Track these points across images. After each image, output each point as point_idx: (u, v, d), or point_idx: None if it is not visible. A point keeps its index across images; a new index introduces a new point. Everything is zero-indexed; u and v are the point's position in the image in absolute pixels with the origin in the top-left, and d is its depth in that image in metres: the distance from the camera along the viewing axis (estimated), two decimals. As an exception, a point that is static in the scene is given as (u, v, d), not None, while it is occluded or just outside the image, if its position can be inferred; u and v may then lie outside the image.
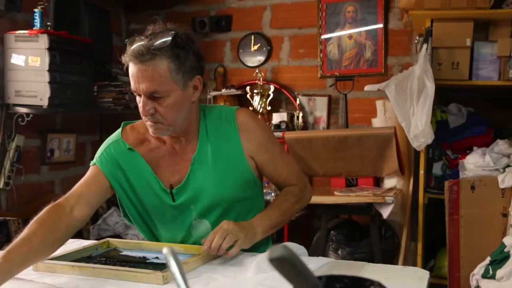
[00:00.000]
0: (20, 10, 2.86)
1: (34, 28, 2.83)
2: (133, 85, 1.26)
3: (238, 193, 1.38)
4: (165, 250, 0.66)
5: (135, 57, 1.21)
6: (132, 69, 1.24)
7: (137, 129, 1.41)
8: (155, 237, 1.45)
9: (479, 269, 2.32)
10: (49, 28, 2.88)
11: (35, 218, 1.21)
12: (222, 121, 1.37)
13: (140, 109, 1.27)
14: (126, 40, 1.26)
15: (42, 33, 2.79)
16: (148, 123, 1.29)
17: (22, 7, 2.85)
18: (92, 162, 1.39)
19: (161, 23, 1.27)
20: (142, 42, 1.21)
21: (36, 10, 2.84)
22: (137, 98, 1.28)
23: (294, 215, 1.45)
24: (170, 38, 1.21)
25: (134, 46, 1.22)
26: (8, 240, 2.65)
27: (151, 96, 1.24)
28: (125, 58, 1.25)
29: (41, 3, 2.87)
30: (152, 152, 1.38)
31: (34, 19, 2.84)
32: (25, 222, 2.72)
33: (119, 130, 1.43)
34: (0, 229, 2.59)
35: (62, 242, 1.25)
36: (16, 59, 2.84)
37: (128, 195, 1.38)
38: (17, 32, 2.85)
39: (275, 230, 1.40)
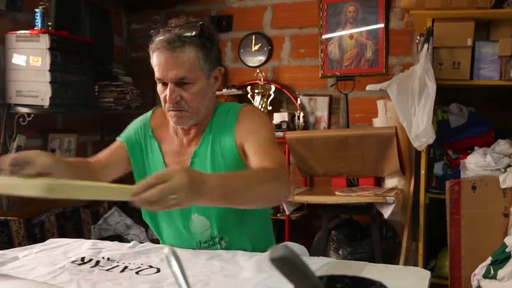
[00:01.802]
0: (21, 10, 2.86)
1: (35, 28, 2.84)
2: (159, 74, 1.28)
3: None
4: (166, 250, 0.66)
5: (166, 43, 1.25)
6: (159, 57, 1.27)
7: (164, 114, 1.42)
8: (157, 227, 1.48)
9: (480, 269, 2.32)
10: (50, 28, 2.88)
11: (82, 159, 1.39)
12: (227, 116, 1.38)
13: (166, 97, 1.29)
14: (152, 31, 1.31)
15: (43, 33, 2.79)
16: (172, 113, 1.31)
17: (23, 7, 2.85)
18: (119, 137, 1.48)
19: (183, 16, 1.32)
20: (171, 30, 1.26)
21: (37, 10, 2.84)
22: (160, 88, 1.31)
23: (269, 199, 1.16)
24: (198, 27, 1.27)
25: (164, 35, 1.26)
26: (10, 239, 2.65)
27: (179, 83, 1.27)
28: (151, 47, 1.28)
29: (42, 3, 2.87)
30: (167, 141, 1.44)
31: (35, 19, 2.84)
32: (26, 222, 2.74)
33: (151, 112, 1.50)
34: (2, 229, 2.59)
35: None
36: (17, 59, 2.84)
37: (141, 176, 1.43)
38: (18, 32, 2.86)
39: (236, 204, 1.14)
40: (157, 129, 1.45)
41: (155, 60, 1.28)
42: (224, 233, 1.40)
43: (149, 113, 1.50)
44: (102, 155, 1.44)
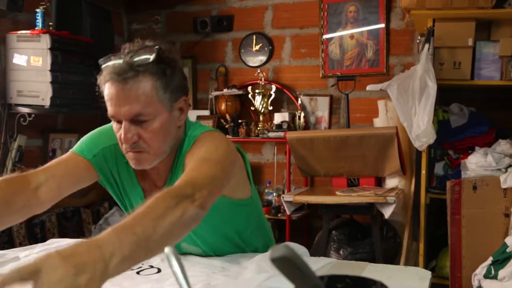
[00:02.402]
0: (22, 10, 2.86)
1: (36, 28, 2.84)
2: (111, 110, 1.09)
3: (211, 218, 1.06)
4: (167, 250, 0.66)
5: (115, 75, 1.05)
6: (110, 90, 1.07)
7: None
8: None
9: (481, 269, 2.32)
10: (51, 28, 2.88)
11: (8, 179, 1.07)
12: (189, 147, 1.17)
13: (121, 137, 1.10)
14: (100, 59, 1.11)
15: (44, 33, 2.79)
16: (130, 155, 1.12)
17: (24, 7, 2.85)
18: (80, 152, 1.22)
19: (139, 40, 1.13)
20: (122, 59, 1.07)
21: (38, 10, 2.84)
22: (115, 125, 1.12)
23: (180, 229, 0.89)
24: (154, 53, 1.07)
25: (113, 63, 1.07)
26: (11, 239, 2.65)
27: (134, 121, 1.08)
28: (100, 79, 1.09)
29: (43, 3, 2.87)
30: (142, 173, 1.25)
31: (36, 19, 2.84)
32: (27, 221, 2.74)
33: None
34: (2, 229, 2.59)
35: (12, 220, 1.09)
36: (18, 59, 2.84)
37: (117, 193, 1.28)
38: (19, 32, 2.86)
39: (151, 253, 0.83)
40: None
41: (106, 93, 1.08)
42: (224, 254, 1.30)
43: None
44: (56, 165, 1.17)
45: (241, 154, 1.23)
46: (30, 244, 2.63)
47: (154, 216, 0.83)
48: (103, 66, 1.10)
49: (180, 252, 1.33)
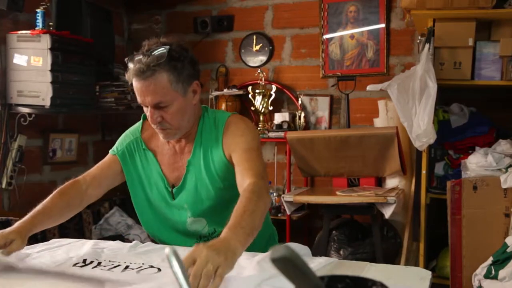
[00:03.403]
0: (22, 10, 2.86)
1: (36, 28, 2.84)
2: (139, 99, 1.37)
3: (229, 193, 1.42)
4: (167, 250, 0.66)
5: (137, 75, 1.32)
6: (136, 84, 1.35)
7: None
8: (152, 228, 1.55)
9: (481, 269, 2.32)
10: (51, 28, 2.88)
11: (58, 189, 1.44)
12: (215, 126, 1.46)
13: (149, 119, 1.39)
14: (126, 58, 1.38)
15: (44, 33, 2.79)
16: (158, 130, 1.42)
17: (24, 7, 2.85)
18: (112, 151, 1.55)
19: (155, 38, 1.39)
20: (141, 60, 1.32)
21: (38, 10, 2.84)
22: (145, 108, 1.41)
23: (263, 215, 1.25)
24: (166, 52, 1.32)
25: (135, 65, 1.33)
26: (11, 239, 2.65)
27: (157, 106, 1.35)
28: (128, 76, 1.36)
29: (43, 3, 2.87)
30: (160, 150, 1.51)
31: (36, 19, 2.84)
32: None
33: (140, 124, 1.56)
34: (3, 229, 2.59)
35: (74, 213, 1.50)
36: (19, 59, 2.84)
37: (136, 187, 1.53)
38: (19, 32, 2.86)
39: (254, 237, 1.18)
40: (149, 141, 1.53)
41: (134, 86, 1.36)
42: (222, 226, 1.40)
43: (138, 125, 1.56)
44: (96, 168, 1.53)
45: None
46: (30, 244, 2.63)
47: (249, 212, 1.18)
48: (129, 64, 1.35)
49: (184, 229, 1.48)
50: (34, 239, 2.72)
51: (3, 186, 2.84)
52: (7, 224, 2.64)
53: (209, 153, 1.44)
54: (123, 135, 1.58)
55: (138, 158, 1.52)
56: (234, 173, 1.39)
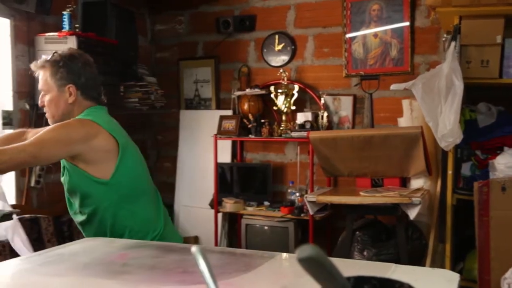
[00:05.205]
0: (49, 13, 2.93)
1: (63, 30, 2.91)
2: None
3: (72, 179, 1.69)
4: (193, 249, 0.66)
5: (39, 68, 1.75)
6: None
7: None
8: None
9: (511, 273, 2.26)
10: (77, 30, 2.94)
11: (5, 134, 1.78)
12: None
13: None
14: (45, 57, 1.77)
15: (71, 35, 2.85)
16: None
17: (51, 10, 2.92)
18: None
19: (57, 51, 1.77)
20: (43, 59, 1.76)
21: (64, 12, 2.91)
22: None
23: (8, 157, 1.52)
24: (50, 56, 1.73)
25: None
26: (40, 237, 2.72)
27: (41, 92, 1.76)
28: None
29: (70, 5, 2.94)
30: None
31: (63, 21, 2.91)
32: (56, 219, 2.80)
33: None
34: (32, 226, 2.65)
35: None
36: (46, 61, 2.91)
37: None
38: (47, 34, 2.93)
39: None
40: None
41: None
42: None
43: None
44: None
45: (117, 142, 1.75)
46: (57, 241, 2.69)
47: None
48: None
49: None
50: (61, 237, 2.78)
51: (32, 184, 2.92)
52: (36, 221, 2.71)
53: None
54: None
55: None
56: (74, 168, 1.66)
